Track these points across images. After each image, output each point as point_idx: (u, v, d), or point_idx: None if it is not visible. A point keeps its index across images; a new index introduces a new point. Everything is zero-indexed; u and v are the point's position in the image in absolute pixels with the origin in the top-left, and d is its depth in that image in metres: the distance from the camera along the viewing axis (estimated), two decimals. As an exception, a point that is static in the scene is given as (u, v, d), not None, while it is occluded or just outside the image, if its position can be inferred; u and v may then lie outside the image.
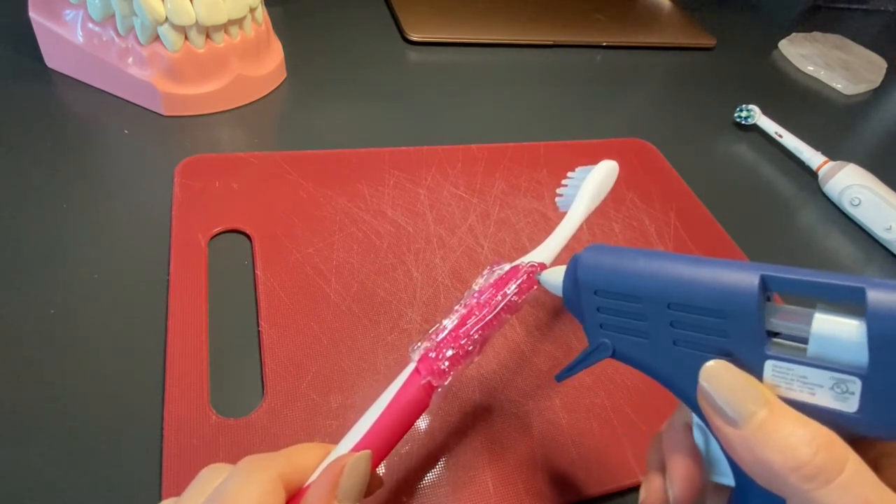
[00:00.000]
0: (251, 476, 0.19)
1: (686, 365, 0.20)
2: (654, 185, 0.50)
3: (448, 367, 0.24)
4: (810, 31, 0.83)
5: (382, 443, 0.23)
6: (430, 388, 0.24)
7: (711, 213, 0.48)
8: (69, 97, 0.46)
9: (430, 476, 0.29)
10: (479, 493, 0.29)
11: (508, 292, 0.26)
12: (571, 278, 0.23)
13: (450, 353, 0.24)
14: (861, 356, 0.17)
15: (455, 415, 0.31)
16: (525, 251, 0.30)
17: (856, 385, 0.17)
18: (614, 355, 0.22)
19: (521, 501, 0.29)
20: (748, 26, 0.85)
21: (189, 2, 0.42)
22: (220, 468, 0.20)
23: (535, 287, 0.28)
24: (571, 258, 0.23)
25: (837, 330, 0.17)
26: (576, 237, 0.43)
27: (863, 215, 0.51)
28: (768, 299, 0.19)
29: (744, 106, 0.61)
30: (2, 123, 0.43)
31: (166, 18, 0.42)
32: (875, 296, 0.16)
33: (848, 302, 0.17)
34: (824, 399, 0.17)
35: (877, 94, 0.74)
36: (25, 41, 0.48)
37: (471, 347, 0.25)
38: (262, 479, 0.19)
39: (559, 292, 0.24)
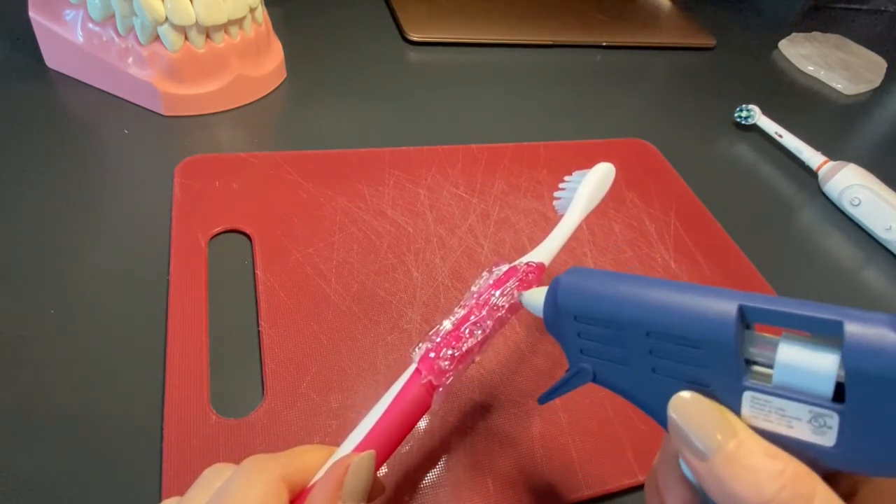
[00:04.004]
0: (254, 476, 0.19)
1: (665, 393, 0.19)
2: (654, 185, 0.50)
3: (449, 366, 0.24)
4: (810, 31, 0.83)
5: (385, 443, 0.22)
6: (431, 388, 0.24)
7: (711, 213, 0.48)
8: (69, 97, 0.46)
9: (431, 476, 0.29)
10: (479, 493, 0.29)
11: (507, 292, 0.26)
12: (551, 302, 0.22)
13: (450, 352, 0.24)
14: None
15: (455, 415, 0.31)
16: (525, 251, 0.30)
17: (833, 420, 0.16)
18: (595, 380, 0.22)
19: (521, 501, 0.29)
20: (748, 26, 0.85)
21: (189, 2, 0.42)
22: (224, 468, 0.20)
23: (534, 287, 0.28)
24: (552, 281, 0.23)
25: (815, 363, 0.17)
26: (577, 237, 0.43)
27: (863, 215, 0.51)
28: (748, 327, 0.18)
29: (744, 106, 0.61)
30: (2, 123, 0.43)
31: (166, 18, 0.42)
32: (853, 329, 0.16)
33: (826, 334, 0.17)
34: (801, 432, 0.17)
35: (877, 94, 0.74)
36: (25, 41, 0.48)
37: (470, 347, 0.25)
38: (264, 479, 0.19)
39: (540, 314, 0.24)
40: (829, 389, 0.16)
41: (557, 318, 0.22)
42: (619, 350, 0.20)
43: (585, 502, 0.30)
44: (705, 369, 0.18)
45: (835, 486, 0.16)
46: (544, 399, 0.24)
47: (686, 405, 0.18)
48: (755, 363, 0.18)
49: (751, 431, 0.17)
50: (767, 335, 0.18)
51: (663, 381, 0.19)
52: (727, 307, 0.18)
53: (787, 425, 0.17)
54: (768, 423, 0.17)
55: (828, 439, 0.17)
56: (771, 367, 0.18)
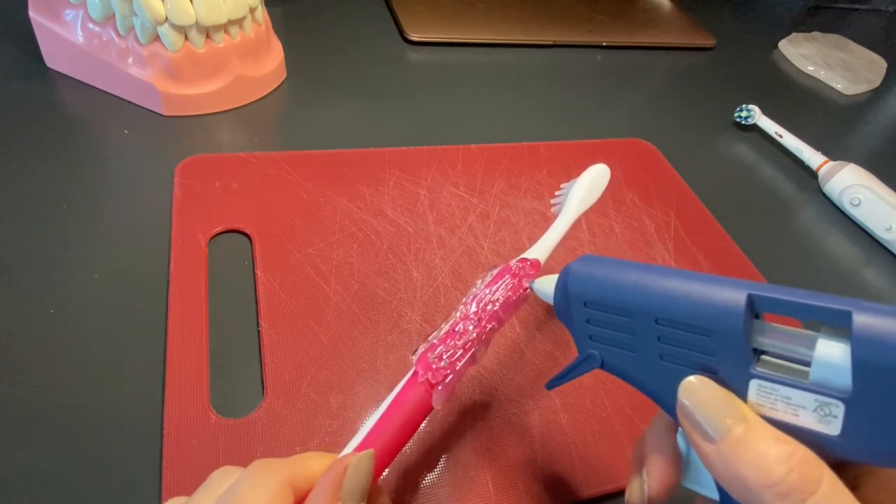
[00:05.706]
0: (261, 479, 0.19)
1: (672, 380, 0.20)
2: (654, 185, 0.50)
3: (446, 365, 0.24)
4: (810, 31, 0.83)
5: (386, 445, 0.22)
6: (429, 388, 0.24)
7: (711, 213, 0.48)
8: (69, 97, 0.46)
9: (431, 476, 0.29)
10: (479, 493, 0.29)
11: (501, 288, 0.27)
12: (562, 288, 0.23)
13: (447, 352, 0.24)
14: (845, 380, 0.16)
15: (455, 415, 0.31)
16: (525, 251, 0.30)
17: (839, 409, 0.17)
18: (602, 366, 0.22)
19: (521, 501, 0.29)
20: (748, 26, 0.85)
21: (189, 2, 0.42)
22: (231, 471, 0.21)
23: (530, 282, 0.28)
24: (563, 268, 0.23)
25: (822, 353, 0.17)
26: (577, 237, 0.43)
27: (863, 215, 0.51)
28: (757, 317, 0.19)
29: (744, 106, 0.61)
30: (2, 123, 0.43)
31: (166, 18, 0.42)
32: (861, 320, 0.16)
33: (834, 325, 0.17)
34: (807, 421, 0.17)
35: (877, 94, 0.74)
36: (25, 41, 0.48)
37: (466, 344, 0.25)
38: (271, 482, 0.19)
39: (551, 301, 0.24)
40: (848, 382, 0.16)
41: (567, 304, 0.22)
42: (628, 337, 0.21)
43: (585, 502, 0.30)
44: (713, 357, 0.19)
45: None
46: (552, 385, 0.25)
47: (696, 390, 0.19)
48: (763, 352, 0.18)
49: (759, 417, 0.18)
50: (777, 325, 0.18)
51: (671, 367, 0.20)
52: (736, 296, 0.18)
53: (792, 413, 0.17)
54: (774, 411, 0.18)
55: (833, 428, 0.17)
56: (779, 356, 0.18)
